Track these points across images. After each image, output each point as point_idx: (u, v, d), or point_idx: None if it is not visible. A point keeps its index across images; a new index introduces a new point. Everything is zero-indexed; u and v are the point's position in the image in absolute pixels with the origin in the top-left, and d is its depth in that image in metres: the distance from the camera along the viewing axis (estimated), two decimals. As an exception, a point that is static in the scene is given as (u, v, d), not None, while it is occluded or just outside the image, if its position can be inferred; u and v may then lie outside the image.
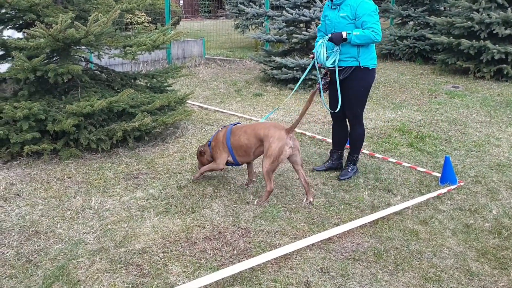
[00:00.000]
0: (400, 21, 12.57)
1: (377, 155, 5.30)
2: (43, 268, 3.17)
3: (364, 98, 4.58)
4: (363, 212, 4.02)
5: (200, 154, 4.51)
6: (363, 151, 5.40)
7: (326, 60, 4.42)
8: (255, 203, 4.12)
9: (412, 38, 11.46)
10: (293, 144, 4.04)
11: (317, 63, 4.59)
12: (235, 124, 4.41)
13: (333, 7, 4.42)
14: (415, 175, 4.78)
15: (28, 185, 4.43)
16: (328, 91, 4.70)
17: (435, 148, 5.55)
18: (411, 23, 12.22)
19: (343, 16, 4.32)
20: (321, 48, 4.44)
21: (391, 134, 6.08)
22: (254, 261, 3.16)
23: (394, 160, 5.13)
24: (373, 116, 6.92)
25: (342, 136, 4.87)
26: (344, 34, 4.27)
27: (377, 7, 4.35)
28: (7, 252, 3.35)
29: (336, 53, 4.40)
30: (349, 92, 4.49)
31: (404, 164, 5.04)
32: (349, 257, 3.37)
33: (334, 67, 4.40)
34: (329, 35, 4.37)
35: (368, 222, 3.79)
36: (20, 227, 3.69)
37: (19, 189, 4.35)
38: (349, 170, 4.71)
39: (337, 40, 4.32)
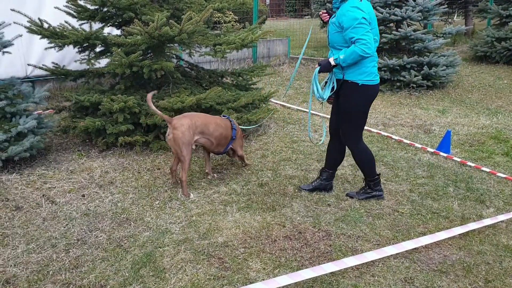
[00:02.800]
0: (499, 21, 11.76)
1: (469, 163, 5.00)
2: (132, 254, 3.35)
3: (354, 119, 3.98)
4: (452, 222, 3.81)
5: None
6: (454, 158, 5.12)
7: (323, 92, 4.01)
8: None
9: (511, 40, 10.67)
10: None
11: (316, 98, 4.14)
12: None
13: (334, 10, 4.02)
14: (511, 186, 4.45)
15: (121, 174, 4.70)
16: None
17: (535, 159, 5.13)
18: (511, 23, 11.38)
19: (333, 22, 3.88)
20: (313, 83, 4.03)
21: (485, 141, 5.71)
22: (342, 264, 3.12)
23: (488, 170, 4.81)
24: (466, 122, 6.54)
25: (334, 155, 4.34)
26: (332, 61, 3.82)
27: (366, 13, 3.70)
28: (101, 236, 3.58)
29: (330, 82, 4.00)
30: (340, 109, 4.05)
31: (499, 174, 4.71)
32: (436, 268, 3.21)
33: (332, 96, 4.01)
34: (318, 67, 3.94)
35: (458, 234, 3.58)
36: (113, 213, 3.93)
37: (112, 177, 4.64)
38: (360, 191, 4.25)
39: (326, 68, 3.89)
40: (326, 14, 4.12)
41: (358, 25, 3.64)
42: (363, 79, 3.85)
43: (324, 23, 4.20)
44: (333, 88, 3.99)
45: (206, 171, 4.68)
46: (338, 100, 4.05)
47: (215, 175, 4.70)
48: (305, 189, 4.37)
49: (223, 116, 4.72)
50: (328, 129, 4.35)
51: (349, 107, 3.96)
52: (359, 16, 3.65)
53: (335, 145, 4.29)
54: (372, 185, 4.20)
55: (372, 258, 3.22)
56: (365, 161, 4.15)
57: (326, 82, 4.05)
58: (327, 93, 3.99)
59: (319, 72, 3.94)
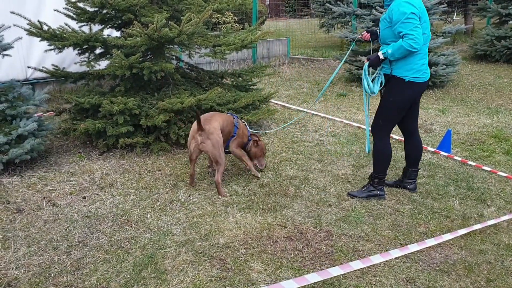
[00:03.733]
0: (498, 20, 11.75)
1: (469, 162, 5.00)
2: (134, 256, 3.35)
3: (390, 113, 4.02)
4: (453, 222, 3.81)
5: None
6: (455, 157, 5.12)
7: (373, 86, 4.06)
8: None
9: (511, 38, 10.66)
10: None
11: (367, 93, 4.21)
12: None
13: (385, 8, 4.10)
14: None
15: (122, 176, 4.70)
16: None
17: (536, 157, 5.13)
18: (510, 22, 11.38)
19: (383, 18, 3.94)
20: (364, 78, 4.08)
21: (485, 140, 5.71)
22: (347, 268, 3.12)
23: (488, 169, 4.81)
24: (466, 121, 6.54)
25: (413, 150, 4.32)
26: (380, 55, 3.89)
27: (416, 8, 3.72)
28: (102, 238, 3.58)
29: (379, 76, 4.05)
30: (381, 101, 4.10)
31: (500, 173, 4.71)
32: (437, 268, 3.21)
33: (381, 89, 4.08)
34: (367, 62, 4.00)
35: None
36: (114, 215, 3.93)
37: (113, 179, 4.64)
38: (362, 190, 4.24)
39: (375, 63, 3.95)
40: (367, 34, 4.27)
41: (406, 20, 3.68)
42: (410, 76, 3.88)
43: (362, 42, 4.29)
44: (381, 83, 4.06)
45: (209, 164, 4.78)
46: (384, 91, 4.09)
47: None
48: (388, 185, 4.41)
49: (227, 112, 4.74)
50: (399, 128, 4.33)
51: (391, 101, 4.00)
52: (407, 11, 3.68)
53: (411, 143, 4.29)
54: (376, 182, 4.18)
55: (377, 261, 3.22)
56: (382, 158, 4.15)
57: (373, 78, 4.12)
58: (376, 88, 4.04)
59: (369, 67, 4.02)
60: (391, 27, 3.85)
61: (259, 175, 4.66)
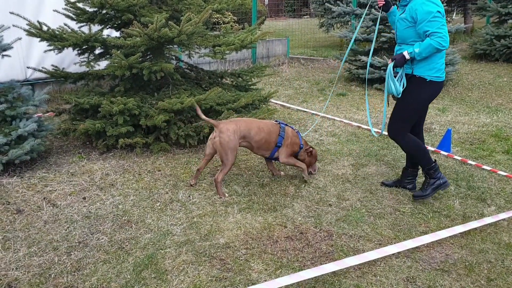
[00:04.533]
0: (498, 19, 11.75)
1: (469, 161, 5.00)
2: (134, 256, 3.34)
3: (410, 113, 4.00)
4: (453, 221, 3.81)
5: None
6: (455, 157, 5.12)
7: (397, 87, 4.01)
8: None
9: (511, 37, 10.66)
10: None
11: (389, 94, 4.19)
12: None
13: (400, 8, 4.08)
14: (512, 185, 4.45)
15: (122, 176, 4.70)
16: None
17: (536, 156, 5.13)
18: (510, 21, 11.38)
19: (403, 18, 3.90)
20: (389, 79, 4.00)
21: (485, 140, 5.71)
22: (342, 264, 3.11)
23: (488, 168, 4.81)
24: (466, 120, 6.53)
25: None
26: (406, 55, 3.85)
27: (440, 7, 3.72)
28: (102, 238, 3.57)
29: (401, 77, 4.01)
30: (399, 100, 4.06)
31: (500, 172, 4.71)
32: (438, 267, 3.20)
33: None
34: (391, 62, 3.96)
35: (459, 233, 3.58)
36: (114, 215, 3.93)
37: (113, 179, 4.63)
38: (424, 188, 4.12)
39: (400, 63, 3.90)
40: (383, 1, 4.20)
41: (433, 19, 3.67)
42: (431, 75, 3.88)
43: (375, 10, 4.25)
44: (403, 83, 4.06)
45: (270, 169, 4.72)
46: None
47: (281, 172, 4.74)
48: (385, 185, 4.42)
49: (276, 121, 4.58)
50: None
51: (411, 100, 3.97)
52: (433, 10, 3.67)
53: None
54: (432, 173, 4.09)
55: (373, 258, 3.22)
56: (416, 150, 4.10)
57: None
58: (400, 89, 4.01)
59: (394, 67, 3.98)
60: (413, 27, 3.83)
61: (310, 180, 4.59)
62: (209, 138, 4.33)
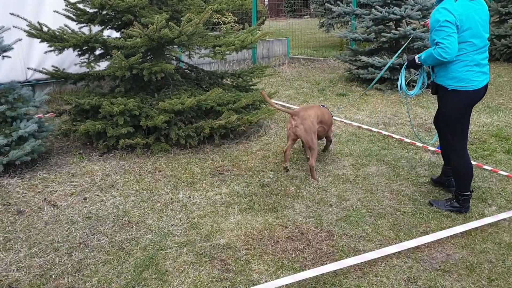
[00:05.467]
0: (498, 19, 11.74)
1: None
2: (134, 257, 3.34)
3: (451, 123, 3.88)
4: (454, 221, 3.81)
5: None
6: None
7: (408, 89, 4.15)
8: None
9: (511, 37, 10.65)
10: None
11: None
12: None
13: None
14: (513, 185, 4.45)
15: (122, 177, 4.70)
16: None
17: (537, 156, 5.12)
18: (510, 21, 11.37)
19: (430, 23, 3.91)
20: (400, 78, 4.22)
21: (486, 139, 5.70)
22: (341, 264, 3.11)
23: (489, 168, 4.80)
24: (466, 120, 6.52)
25: (444, 150, 4.27)
26: (416, 58, 3.96)
27: (451, 16, 3.58)
28: (103, 239, 3.57)
29: (420, 78, 4.12)
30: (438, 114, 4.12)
31: (500, 172, 4.70)
32: (438, 268, 3.20)
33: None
34: (405, 63, 4.13)
35: (460, 233, 3.58)
36: (114, 216, 3.93)
37: (114, 180, 4.63)
38: (445, 202, 4.02)
39: (410, 65, 4.01)
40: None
41: (439, 28, 3.61)
42: (452, 84, 3.77)
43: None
44: (423, 84, 4.21)
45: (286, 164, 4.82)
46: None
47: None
48: (433, 181, 4.48)
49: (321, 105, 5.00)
50: (434, 125, 4.30)
51: (446, 113, 3.93)
52: (441, 19, 3.59)
53: (441, 140, 4.24)
54: (461, 200, 3.93)
55: (372, 257, 3.22)
56: (463, 175, 3.91)
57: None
58: (415, 90, 4.21)
59: (406, 68, 4.18)
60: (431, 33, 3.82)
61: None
62: (288, 127, 4.56)
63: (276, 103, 4.49)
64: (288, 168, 4.70)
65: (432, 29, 3.69)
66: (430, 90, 4.15)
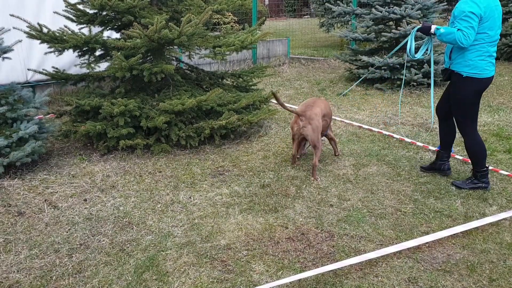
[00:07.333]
0: (499, 18, 11.73)
1: (471, 161, 4.98)
2: (135, 258, 3.34)
3: (463, 109, 4.19)
4: (455, 221, 3.80)
5: None
6: (456, 156, 5.11)
7: (416, 52, 4.44)
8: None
9: (511, 36, 10.66)
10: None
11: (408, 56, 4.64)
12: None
13: None
14: (514, 184, 4.44)
15: (122, 178, 4.70)
16: None
17: (537, 156, 5.11)
18: (511, 20, 11.36)
19: (452, 13, 4.15)
20: (409, 40, 4.48)
21: (487, 139, 5.69)
22: (342, 264, 3.11)
23: (490, 167, 4.79)
24: (467, 120, 6.52)
25: (446, 135, 4.56)
26: (433, 28, 4.16)
27: (476, 8, 3.88)
28: (103, 240, 3.57)
29: (425, 45, 4.38)
30: (450, 96, 4.31)
31: (501, 172, 4.69)
32: (439, 268, 3.20)
33: (425, 56, 4.42)
34: (419, 24, 4.35)
35: (461, 233, 3.58)
36: (115, 217, 3.93)
37: (114, 181, 4.63)
38: (466, 181, 4.37)
39: (424, 30, 4.26)
40: None
41: (464, 17, 3.90)
42: (467, 71, 4.08)
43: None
44: (426, 51, 4.48)
45: (297, 156, 4.96)
46: (450, 87, 4.34)
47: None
48: (424, 168, 4.70)
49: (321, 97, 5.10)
50: (436, 112, 4.60)
51: (459, 98, 4.19)
52: (466, 10, 3.89)
53: (443, 127, 4.55)
54: (479, 176, 4.29)
55: (373, 257, 3.21)
56: (477, 153, 4.26)
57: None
58: (419, 54, 4.45)
59: (417, 30, 4.34)
60: (453, 22, 4.04)
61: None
62: (295, 128, 4.56)
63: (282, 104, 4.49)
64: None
65: (457, 17, 3.96)
66: (442, 77, 4.49)
